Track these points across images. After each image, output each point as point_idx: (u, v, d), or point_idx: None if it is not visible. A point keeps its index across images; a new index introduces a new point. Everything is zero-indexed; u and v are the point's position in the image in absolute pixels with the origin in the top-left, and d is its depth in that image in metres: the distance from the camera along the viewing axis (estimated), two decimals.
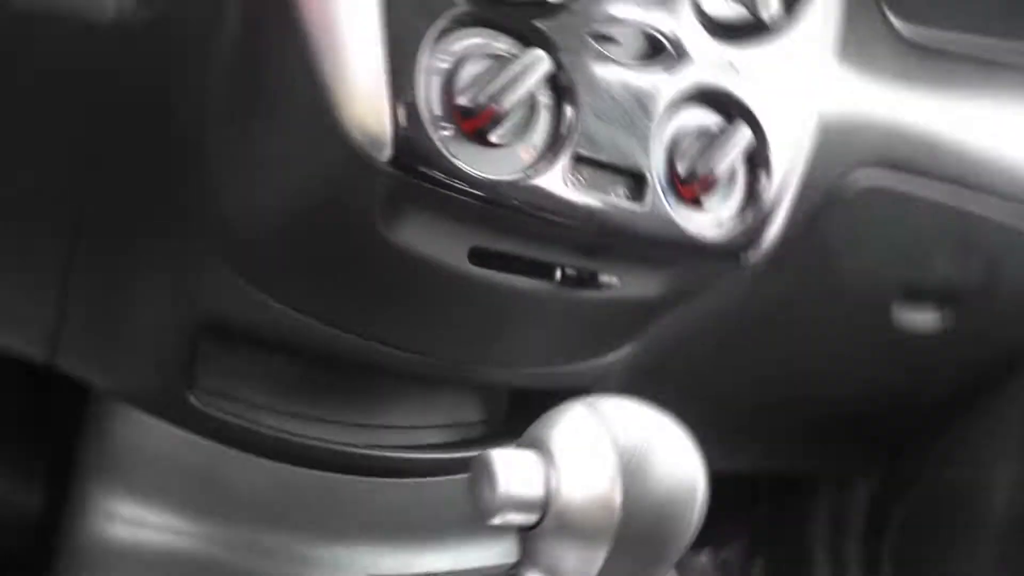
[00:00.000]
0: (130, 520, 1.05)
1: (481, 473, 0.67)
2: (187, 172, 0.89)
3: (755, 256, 0.95)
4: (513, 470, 0.66)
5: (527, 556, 0.70)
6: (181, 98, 0.86)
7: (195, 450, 1.06)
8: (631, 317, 1.04)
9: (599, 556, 0.67)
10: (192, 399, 1.02)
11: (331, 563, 1.11)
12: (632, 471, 0.66)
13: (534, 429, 0.70)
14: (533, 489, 0.67)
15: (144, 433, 1.05)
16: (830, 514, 2.02)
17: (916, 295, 1.39)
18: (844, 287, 1.32)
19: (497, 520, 0.67)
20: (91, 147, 0.88)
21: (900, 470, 1.90)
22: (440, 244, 0.85)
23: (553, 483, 0.67)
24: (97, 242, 0.96)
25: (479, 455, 0.67)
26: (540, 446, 0.68)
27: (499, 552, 1.23)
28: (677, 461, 0.68)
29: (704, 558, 2.05)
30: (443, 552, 1.19)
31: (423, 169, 0.77)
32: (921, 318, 1.43)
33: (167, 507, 1.05)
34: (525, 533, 0.69)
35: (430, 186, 0.78)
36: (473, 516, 1.20)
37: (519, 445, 0.69)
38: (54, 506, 1.18)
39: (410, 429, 1.16)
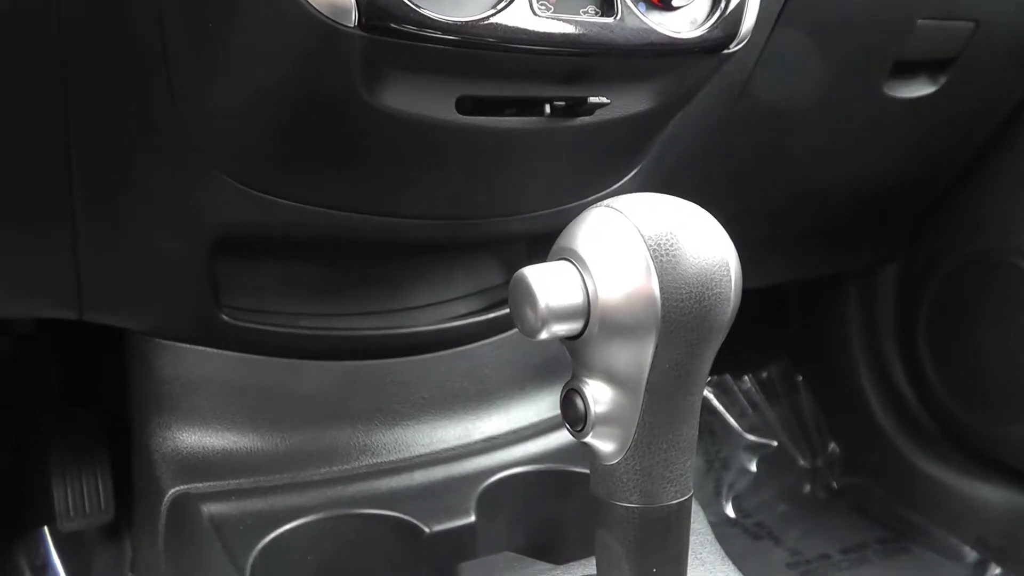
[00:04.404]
0: (193, 446, 1.07)
1: (519, 292, 0.68)
2: (161, 92, 0.88)
3: (735, 47, 0.94)
4: (549, 282, 0.67)
5: (580, 365, 0.71)
6: (139, 17, 0.85)
7: (239, 367, 1.08)
8: (631, 137, 1.04)
9: (649, 348, 0.68)
10: (225, 317, 1.04)
11: (394, 446, 1.14)
12: (663, 258, 0.66)
13: (561, 240, 0.70)
14: (572, 297, 0.67)
15: (188, 362, 1.07)
16: (862, 312, 2.04)
17: (906, 66, 1.38)
18: (835, 70, 1.31)
19: (544, 335, 0.68)
20: (58, 88, 0.88)
21: (924, 250, 1.91)
22: (426, 100, 0.85)
23: (591, 287, 0.67)
24: (92, 186, 0.96)
25: (515, 275, 0.68)
26: (570, 254, 0.69)
27: (550, 404, 1.26)
28: (704, 238, 0.68)
29: (747, 381, 2.09)
30: (498, 414, 1.22)
31: (392, 25, 0.77)
32: (914, 84, 1.43)
33: (225, 426, 1.08)
34: (574, 343, 0.70)
35: (402, 41, 0.78)
36: (518, 373, 1.23)
37: (550, 258, 0.70)
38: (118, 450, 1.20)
39: (441, 304, 1.18)
